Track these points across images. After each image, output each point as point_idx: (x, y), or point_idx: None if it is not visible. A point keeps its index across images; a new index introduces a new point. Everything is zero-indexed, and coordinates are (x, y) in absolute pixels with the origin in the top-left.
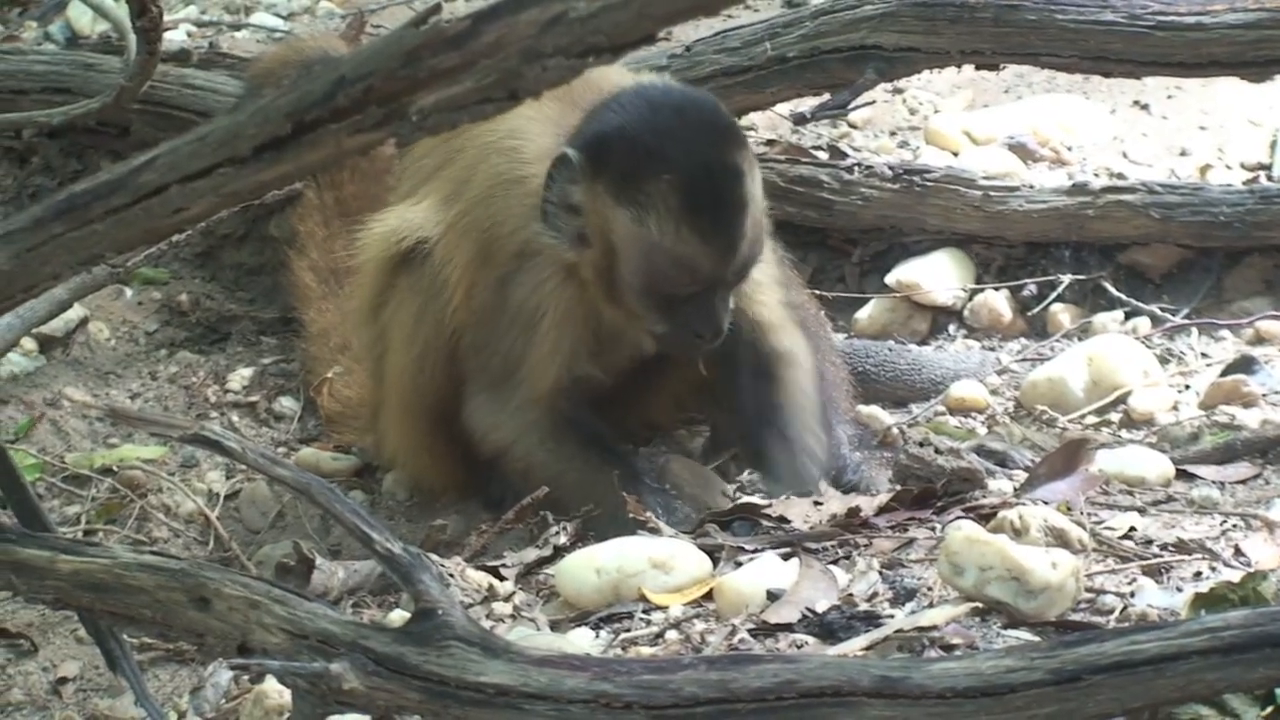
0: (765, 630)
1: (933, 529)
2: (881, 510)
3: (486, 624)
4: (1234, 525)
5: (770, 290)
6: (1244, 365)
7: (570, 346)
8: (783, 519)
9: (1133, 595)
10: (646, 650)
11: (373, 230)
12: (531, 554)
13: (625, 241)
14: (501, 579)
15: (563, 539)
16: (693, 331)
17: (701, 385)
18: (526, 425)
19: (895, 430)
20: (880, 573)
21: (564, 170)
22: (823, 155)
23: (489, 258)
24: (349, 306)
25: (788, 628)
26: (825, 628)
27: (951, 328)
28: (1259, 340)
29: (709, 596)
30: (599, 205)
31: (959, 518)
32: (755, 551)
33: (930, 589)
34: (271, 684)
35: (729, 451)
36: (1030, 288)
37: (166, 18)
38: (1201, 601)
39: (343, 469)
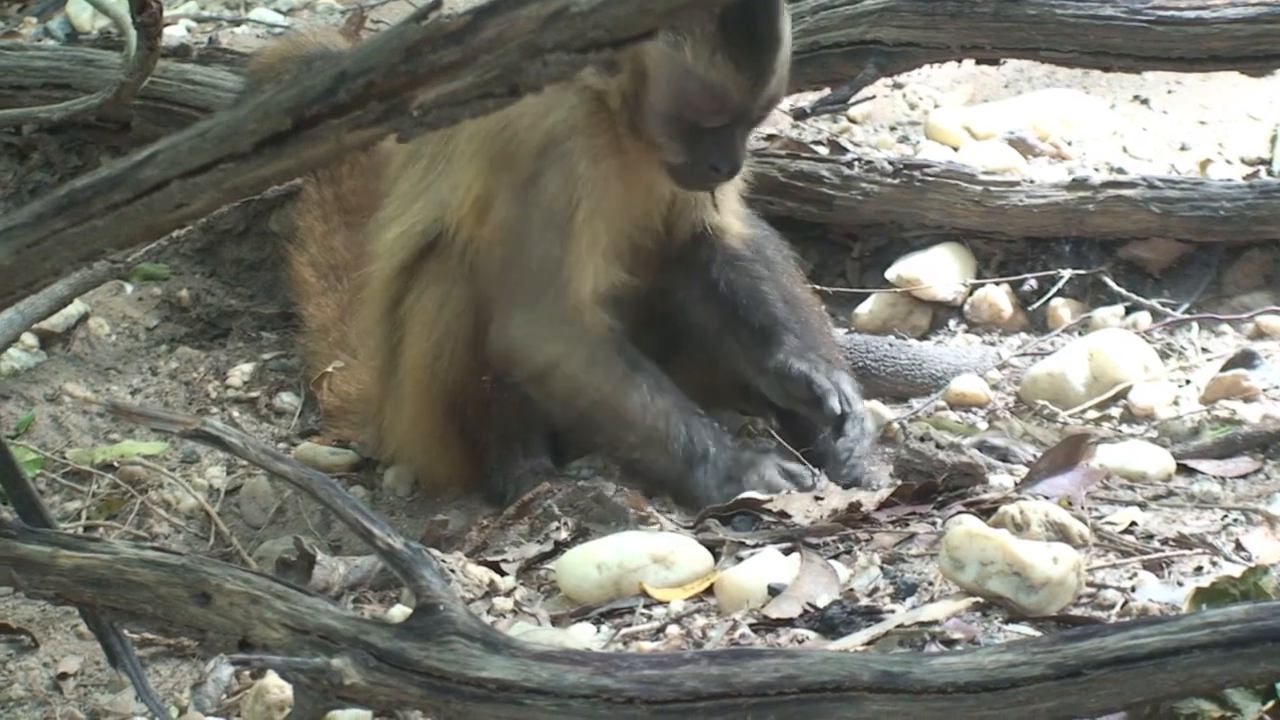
0: (766, 625)
1: (934, 524)
2: (882, 505)
3: (487, 619)
4: (1235, 520)
5: (734, 201)
6: (1244, 360)
7: (607, 238)
8: (783, 514)
9: (1134, 590)
10: (648, 645)
11: (386, 235)
12: (533, 549)
13: (658, 66)
14: (503, 574)
15: (564, 534)
16: (710, 165)
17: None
18: (572, 340)
19: (896, 425)
20: (881, 568)
21: None
22: (823, 150)
23: (507, 162)
24: (359, 314)
25: (789, 622)
26: (826, 623)
27: (952, 323)
28: (1259, 335)
29: (710, 591)
30: None
31: (960, 512)
32: (756, 546)
33: (931, 584)
34: (273, 679)
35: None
36: (1030, 283)
37: (166, 13)
38: (1202, 596)
39: (340, 463)
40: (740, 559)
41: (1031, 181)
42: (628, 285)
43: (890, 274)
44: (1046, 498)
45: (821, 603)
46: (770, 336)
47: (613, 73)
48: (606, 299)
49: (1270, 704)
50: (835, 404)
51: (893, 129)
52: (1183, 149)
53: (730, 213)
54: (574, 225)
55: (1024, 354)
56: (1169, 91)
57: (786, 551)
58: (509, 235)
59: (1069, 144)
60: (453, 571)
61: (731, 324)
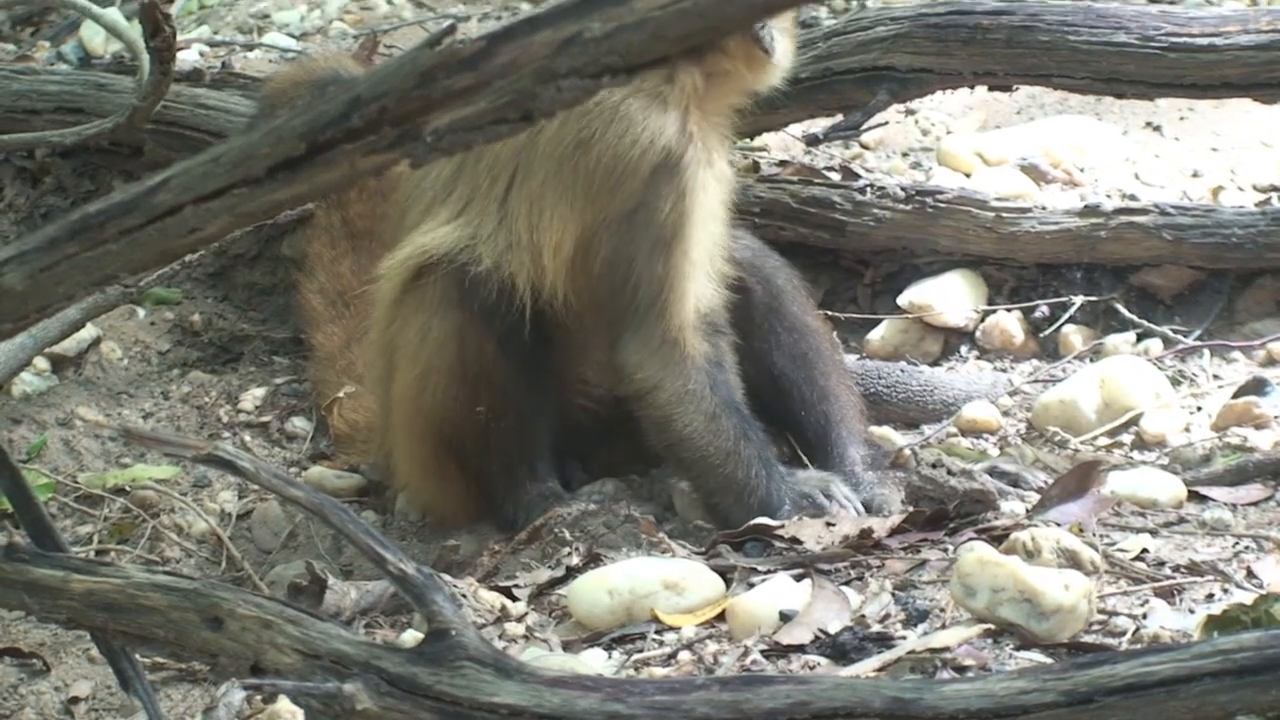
0: (778, 651)
1: (945, 550)
2: (894, 531)
3: (499, 645)
4: (1246, 547)
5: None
6: (1256, 387)
7: (710, 254)
8: (795, 540)
9: (1145, 617)
10: (659, 671)
11: (391, 260)
12: (544, 574)
13: None
14: (514, 599)
15: (575, 559)
16: None
17: None
18: (672, 365)
19: (907, 451)
20: (893, 594)
21: None
22: (835, 176)
23: (614, 191)
24: (366, 339)
25: (800, 649)
26: (838, 649)
27: (963, 349)
28: (1271, 362)
29: (721, 617)
30: None
31: (971, 539)
32: (768, 572)
33: (943, 610)
34: (284, 704)
35: None
36: (1042, 309)
37: (179, 38)
38: (1214, 623)
39: (347, 488)
40: (752, 585)
41: (1043, 208)
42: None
43: (902, 300)
44: (1058, 524)
45: (833, 629)
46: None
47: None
48: (708, 325)
49: None
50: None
51: (905, 155)
52: (1195, 176)
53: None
54: (683, 240)
55: (1035, 380)
56: (1181, 118)
57: (798, 578)
58: (613, 264)
59: (1081, 170)
60: (464, 597)
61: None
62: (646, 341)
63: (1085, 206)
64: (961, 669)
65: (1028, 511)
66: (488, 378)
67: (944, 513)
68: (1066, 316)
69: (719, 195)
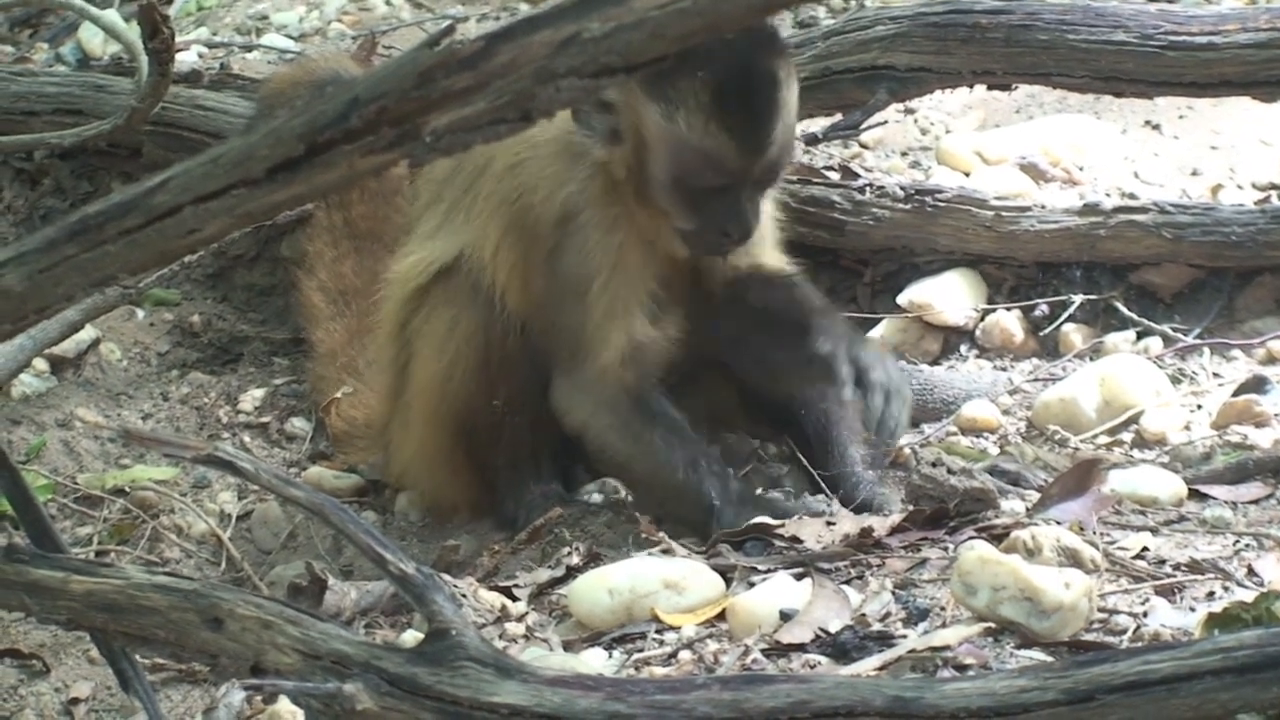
0: (778, 650)
1: (945, 549)
2: (894, 530)
3: (499, 645)
4: (1247, 545)
5: (772, 236)
6: (1256, 385)
7: (626, 304)
8: (795, 539)
9: (1146, 615)
10: (659, 671)
11: (401, 264)
12: (544, 574)
13: (655, 137)
14: (514, 599)
15: (575, 559)
16: (720, 230)
17: (736, 401)
18: (598, 404)
19: (907, 450)
20: (893, 593)
21: None
22: (834, 176)
23: (529, 236)
24: (373, 337)
25: (801, 648)
26: (838, 648)
27: (963, 348)
28: (1271, 360)
29: (722, 617)
30: (632, 101)
31: (972, 538)
32: (768, 572)
33: (943, 609)
34: (285, 705)
35: (740, 472)
36: (1042, 308)
37: (178, 39)
38: (1214, 621)
39: (345, 487)
40: (752, 584)
41: (1043, 207)
42: (658, 339)
43: (902, 299)
44: (1058, 523)
45: (833, 628)
46: (811, 329)
47: (615, 143)
48: (639, 362)
49: None
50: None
51: (904, 154)
52: (1194, 174)
53: (767, 254)
54: (591, 295)
55: (1035, 379)
56: (1180, 117)
57: (798, 577)
58: (543, 303)
59: (1080, 169)
60: (464, 597)
61: (774, 334)
62: (574, 384)
63: (1085, 205)
64: (962, 667)
65: (1029, 510)
66: (510, 372)
67: (944, 511)
68: (1066, 315)
69: (642, 263)
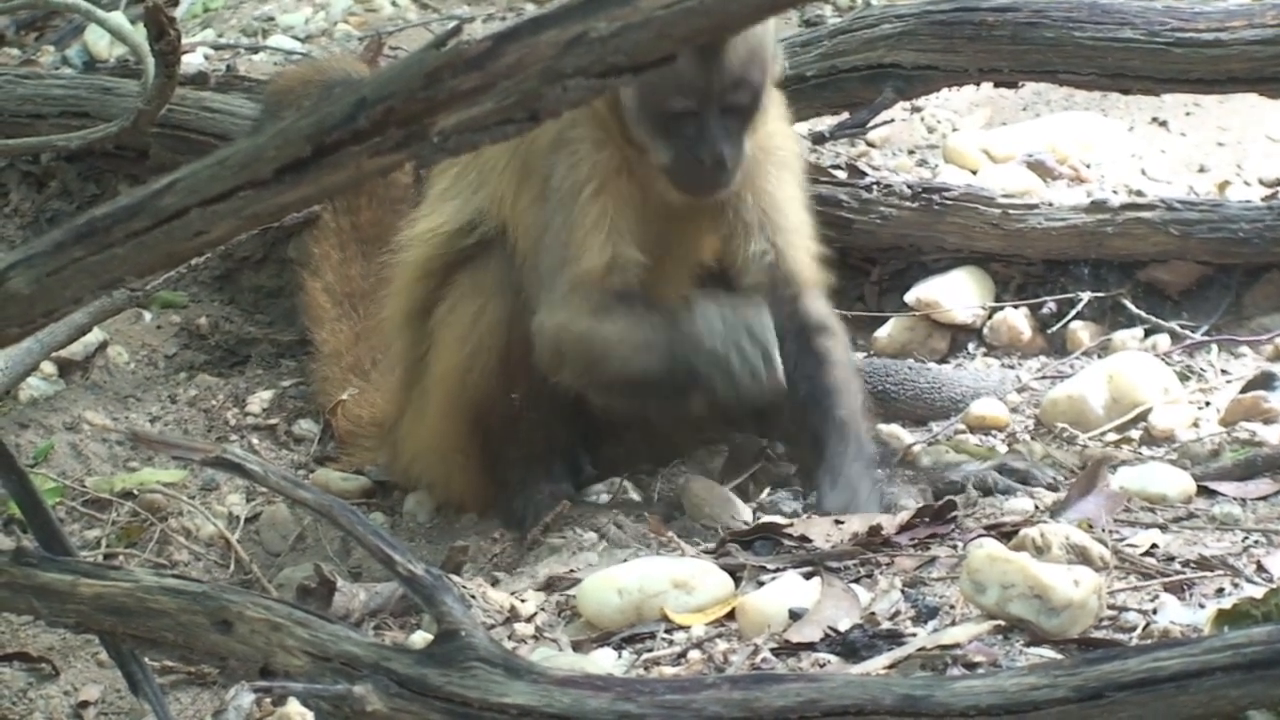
0: (788, 649)
1: (954, 547)
2: (903, 528)
3: (509, 645)
4: (1255, 541)
5: (804, 238)
6: (1264, 381)
7: (614, 220)
8: (804, 538)
9: (1155, 612)
10: (669, 670)
11: (415, 228)
12: (554, 574)
13: None
14: (523, 600)
15: (585, 559)
16: (695, 157)
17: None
18: (576, 305)
19: (916, 449)
20: (902, 591)
21: None
22: (841, 174)
23: (528, 169)
24: (383, 313)
25: (810, 647)
26: (848, 646)
27: (971, 346)
28: (1279, 356)
29: (731, 616)
30: None
31: (981, 535)
32: (777, 571)
33: (952, 607)
34: (294, 706)
35: (748, 471)
36: (1049, 305)
37: (184, 41)
38: (1224, 618)
39: (352, 489)
40: (761, 583)
41: (1050, 204)
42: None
43: (909, 297)
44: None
45: (843, 626)
46: (819, 446)
47: None
48: (624, 272)
49: None
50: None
51: (911, 152)
52: (1201, 171)
53: (796, 247)
54: (579, 204)
55: (1043, 377)
56: (1187, 113)
57: (807, 576)
58: (533, 229)
59: (1087, 166)
60: (473, 597)
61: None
62: (552, 294)
63: (1092, 202)
64: (972, 665)
65: (1051, 512)
66: (529, 366)
67: (952, 505)
68: (1074, 313)
69: (638, 198)
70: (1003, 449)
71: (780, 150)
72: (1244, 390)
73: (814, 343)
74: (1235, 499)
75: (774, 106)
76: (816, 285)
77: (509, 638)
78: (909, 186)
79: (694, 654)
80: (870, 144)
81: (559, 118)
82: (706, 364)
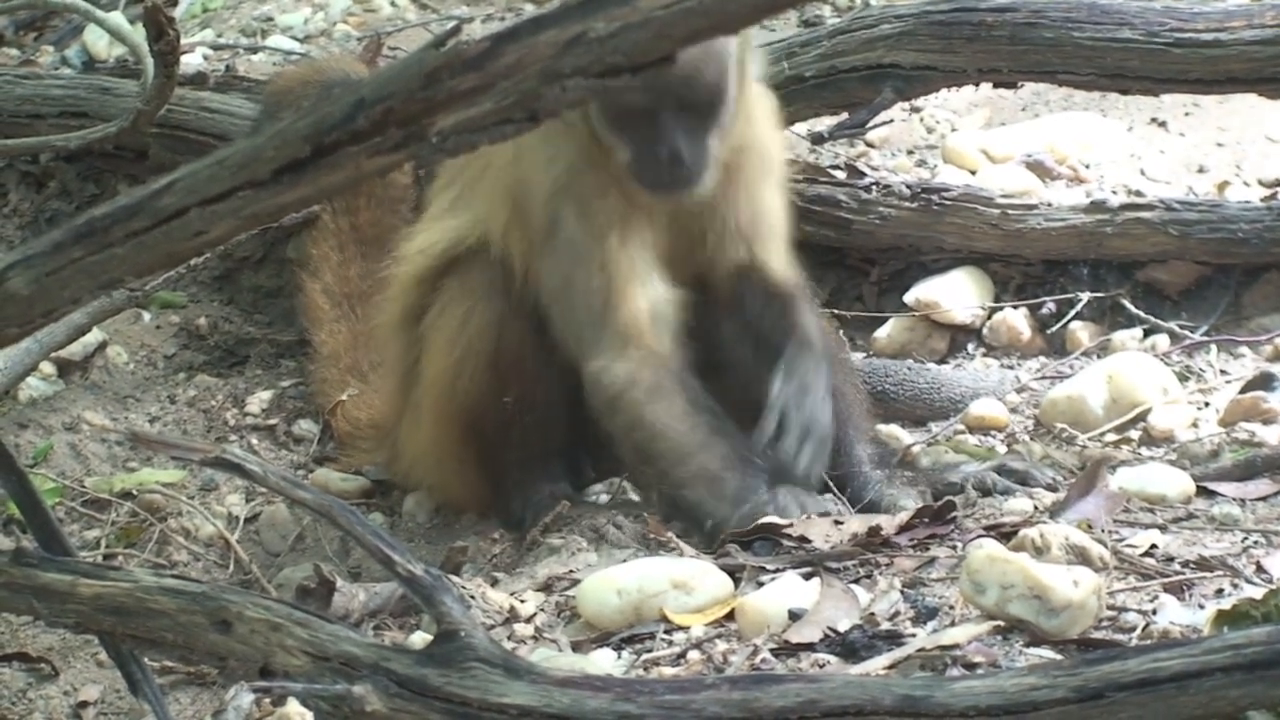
0: (787, 650)
1: (954, 548)
2: (902, 529)
3: (508, 645)
4: (1255, 542)
5: (782, 242)
6: (1263, 382)
7: (643, 263)
8: (803, 539)
9: (1155, 613)
10: (668, 671)
11: (410, 244)
12: (553, 574)
13: None
14: (523, 600)
15: (584, 559)
16: (654, 157)
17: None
18: (637, 365)
19: (915, 449)
20: (902, 591)
21: None
22: (840, 174)
23: (521, 208)
24: (377, 321)
25: (810, 647)
26: (847, 647)
27: (970, 346)
28: (1278, 356)
29: (730, 616)
30: None
31: (980, 536)
32: (776, 571)
33: (952, 608)
34: (294, 707)
35: None
36: (1049, 306)
37: (183, 41)
38: (1224, 618)
39: (352, 489)
40: (760, 584)
41: (1049, 204)
42: (678, 301)
43: (908, 298)
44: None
45: (842, 627)
46: (779, 364)
47: None
48: (666, 323)
49: None
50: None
51: (910, 153)
52: (1200, 171)
53: (771, 252)
54: (608, 253)
55: (1043, 377)
56: (1186, 114)
57: (807, 576)
58: (555, 286)
59: (1087, 167)
60: (473, 598)
61: (764, 357)
62: (603, 352)
63: (1091, 203)
64: (971, 666)
65: (1050, 513)
66: (521, 368)
67: (951, 506)
68: (1073, 313)
69: (647, 225)
70: (1002, 449)
71: (763, 154)
72: (1243, 391)
73: (776, 299)
74: (1235, 499)
75: (758, 110)
76: (794, 289)
77: (508, 638)
78: (908, 187)
79: (693, 654)
80: (869, 144)
81: (552, 161)
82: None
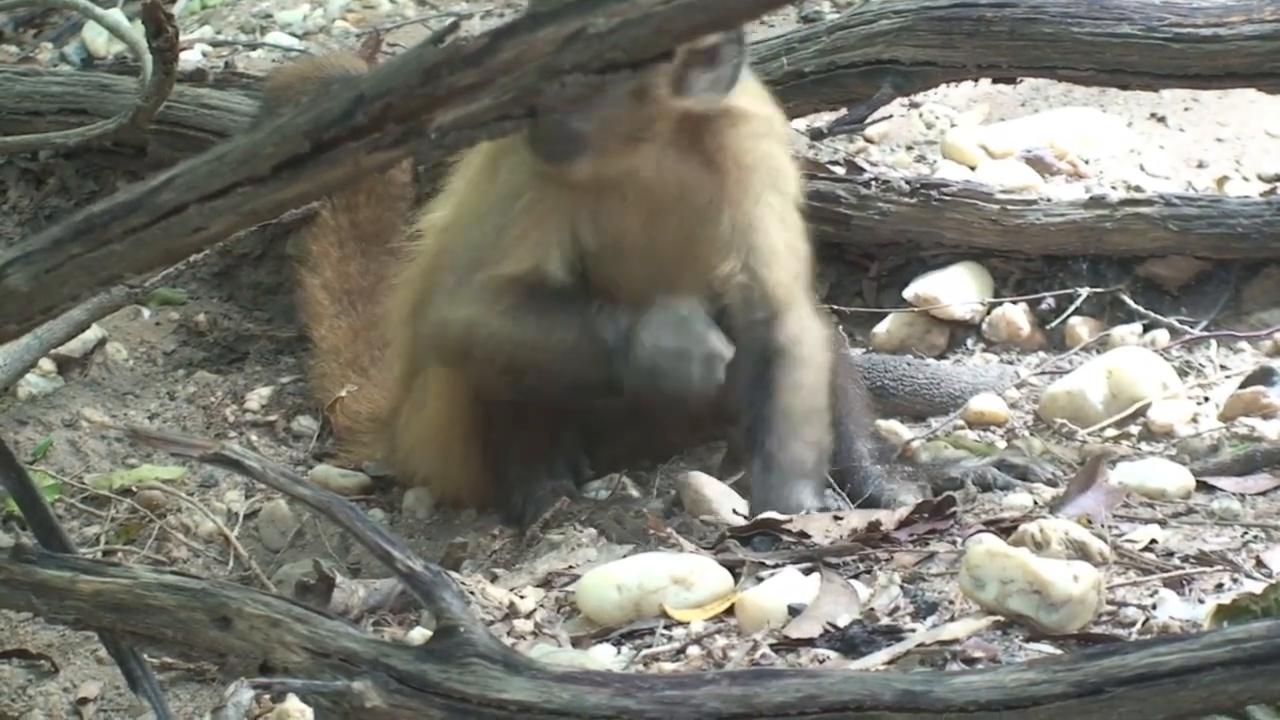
0: (787, 645)
1: (954, 543)
2: (902, 524)
3: (508, 641)
4: (1255, 537)
5: (785, 259)
6: (1263, 377)
7: (544, 238)
8: (803, 534)
9: (1154, 607)
10: (668, 666)
11: (430, 217)
12: (553, 570)
13: None
14: (522, 596)
15: (584, 555)
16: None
17: (718, 405)
18: (486, 301)
19: (915, 445)
20: (901, 587)
21: None
22: (840, 170)
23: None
24: (387, 306)
25: (809, 642)
26: (847, 642)
27: (970, 341)
28: (1277, 351)
29: (730, 612)
30: None
31: (980, 531)
32: (776, 566)
33: (952, 603)
34: (294, 703)
35: (747, 467)
36: (1048, 301)
37: (182, 38)
38: (1223, 613)
39: (351, 486)
40: (760, 579)
41: (1049, 200)
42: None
43: (908, 293)
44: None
45: (842, 622)
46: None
47: None
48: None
49: None
50: None
51: (909, 148)
52: (1200, 166)
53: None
54: (512, 214)
55: (1042, 372)
56: (1186, 109)
57: (806, 571)
58: (454, 225)
59: (1086, 162)
60: (472, 593)
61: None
62: (461, 290)
63: (1091, 198)
64: (971, 661)
65: (1050, 509)
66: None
67: (951, 501)
68: (1073, 308)
69: (563, 217)
70: (1002, 445)
71: (769, 170)
72: (1243, 385)
73: (768, 373)
74: (1234, 494)
75: (760, 125)
76: (796, 307)
77: (508, 634)
78: (907, 182)
79: (693, 650)
80: (869, 140)
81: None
82: (634, 375)
